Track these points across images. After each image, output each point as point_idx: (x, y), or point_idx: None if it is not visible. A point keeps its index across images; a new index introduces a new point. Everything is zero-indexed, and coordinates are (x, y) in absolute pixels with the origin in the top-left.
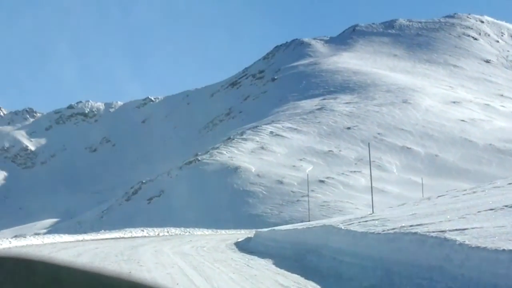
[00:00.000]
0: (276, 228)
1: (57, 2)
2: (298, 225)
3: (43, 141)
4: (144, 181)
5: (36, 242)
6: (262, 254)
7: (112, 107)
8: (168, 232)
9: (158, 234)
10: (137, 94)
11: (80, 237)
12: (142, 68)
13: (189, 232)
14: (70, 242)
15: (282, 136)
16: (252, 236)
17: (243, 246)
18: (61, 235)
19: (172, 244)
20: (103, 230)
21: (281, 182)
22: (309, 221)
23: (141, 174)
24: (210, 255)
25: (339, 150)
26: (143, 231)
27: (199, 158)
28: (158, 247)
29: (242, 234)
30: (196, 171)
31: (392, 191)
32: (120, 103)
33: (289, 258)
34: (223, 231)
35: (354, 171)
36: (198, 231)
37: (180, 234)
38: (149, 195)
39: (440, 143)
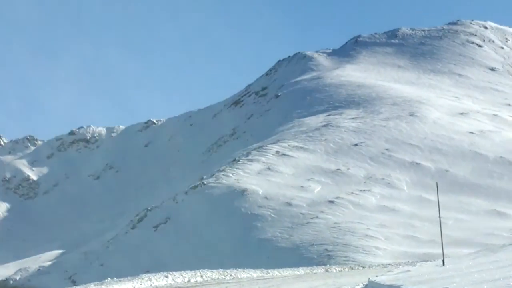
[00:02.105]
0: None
1: (51, 27)
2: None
3: (45, 170)
4: (149, 208)
5: None
6: None
7: (114, 132)
8: (202, 276)
9: (189, 281)
10: (139, 117)
11: None
12: (144, 90)
13: (231, 275)
14: None
15: (288, 155)
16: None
17: None
18: None
19: None
20: (109, 279)
21: (289, 204)
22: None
23: (146, 200)
24: None
25: (347, 168)
26: (167, 277)
27: (205, 182)
28: None
29: (306, 275)
30: (202, 195)
31: (404, 210)
32: (122, 127)
33: None
34: (275, 272)
35: (364, 190)
36: (243, 273)
37: (220, 278)
38: (155, 222)
39: (450, 157)
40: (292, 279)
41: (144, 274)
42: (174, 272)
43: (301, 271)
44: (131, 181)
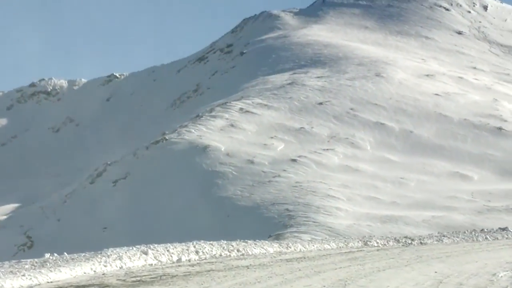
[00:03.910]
0: None
1: None
2: None
3: (3, 121)
4: (109, 163)
5: None
6: None
7: (75, 85)
8: (197, 252)
9: (180, 260)
10: (101, 71)
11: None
12: (106, 44)
13: (238, 250)
14: None
15: (252, 112)
16: None
17: None
18: None
19: None
20: (55, 255)
21: (251, 162)
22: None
23: (106, 155)
24: None
25: (311, 127)
26: (145, 254)
27: (167, 137)
28: None
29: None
30: (163, 151)
31: (367, 170)
32: (84, 80)
33: None
34: (291, 247)
35: (327, 149)
36: (254, 248)
37: (224, 256)
38: (115, 177)
39: (415, 118)
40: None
41: (110, 249)
42: (156, 246)
43: (332, 244)
44: (92, 135)
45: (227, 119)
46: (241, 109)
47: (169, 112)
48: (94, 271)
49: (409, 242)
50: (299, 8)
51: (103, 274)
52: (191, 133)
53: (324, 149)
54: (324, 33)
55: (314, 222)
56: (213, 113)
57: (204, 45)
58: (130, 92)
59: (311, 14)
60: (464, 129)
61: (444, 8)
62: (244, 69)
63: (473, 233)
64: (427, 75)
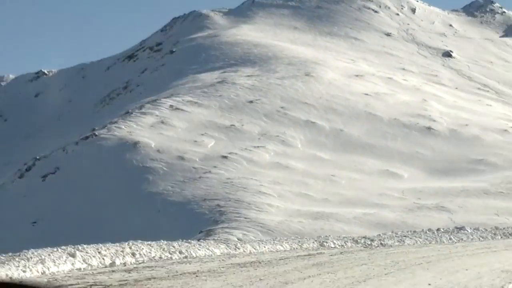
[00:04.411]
0: None
1: None
2: None
3: None
4: (38, 157)
5: None
6: None
7: (3, 81)
8: (134, 253)
9: (113, 264)
10: (29, 67)
11: None
12: (35, 39)
13: (181, 252)
14: None
15: (182, 110)
16: None
17: None
18: None
19: None
20: None
21: (182, 158)
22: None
23: (35, 150)
24: None
25: (242, 125)
26: (73, 256)
27: (96, 133)
28: None
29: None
30: (93, 146)
31: (297, 168)
32: (12, 76)
33: None
34: (240, 248)
35: (258, 146)
36: (198, 249)
37: (164, 258)
38: (44, 172)
39: (345, 117)
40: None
41: (31, 251)
42: (85, 247)
43: (285, 245)
44: (21, 130)
45: (157, 116)
46: (171, 106)
47: (99, 109)
48: (10, 278)
49: (369, 243)
50: (228, 8)
51: (20, 282)
52: (121, 129)
53: (254, 146)
54: (253, 33)
55: (245, 218)
56: (143, 110)
57: (133, 43)
58: (59, 88)
59: (240, 14)
60: (394, 128)
61: (373, 10)
62: (174, 67)
63: (435, 233)
64: (357, 75)
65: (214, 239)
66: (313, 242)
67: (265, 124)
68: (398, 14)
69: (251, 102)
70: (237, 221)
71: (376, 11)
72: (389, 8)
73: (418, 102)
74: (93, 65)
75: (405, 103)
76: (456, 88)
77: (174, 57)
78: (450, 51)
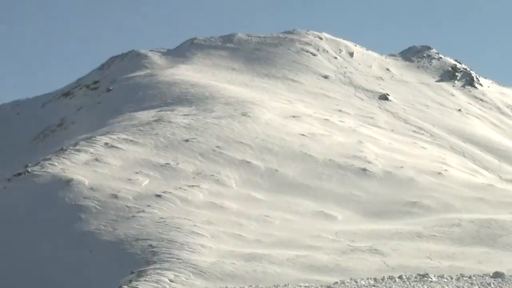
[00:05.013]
0: None
1: None
2: None
3: None
4: None
5: None
6: None
7: None
8: None
9: None
10: None
11: None
12: None
13: None
14: None
15: (117, 147)
16: None
17: None
18: None
19: None
20: None
21: (115, 196)
22: None
23: None
24: None
25: (177, 163)
26: None
27: (29, 170)
28: None
29: None
30: (26, 183)
31: (231, 207)
32: None
33: None
34: None
35: (192, 186)
36: None
37: None
38: None
39: (280, 157)
40: None
41: None
42: None
43: None
44: None
45: (91, 153)
46: (106, 143)
47: (33, 145)
48: None
49: None
50: (167, 48)
51: None
52: (54, 166)
53: (189, 186)
54: (191, 73)
55: (177, 259)
56: (77, 147)
57: (70, 80)
58: None
59: (179, 54)
60: (329, 169)
61: (311, 53)
62: (110, 105)
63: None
64: (294, 116)
65: (145, 280)
66: None
67: (200, 163)
68: (336, 58)
69: (187, 141)
70: (169, 261)
71: (314, 54)
72: (327, 51)
73: (353, 143)
74: (28, 102)
75: (341, 144)
76: (392, 131)
77: (110, 95)
78: (387, 94)
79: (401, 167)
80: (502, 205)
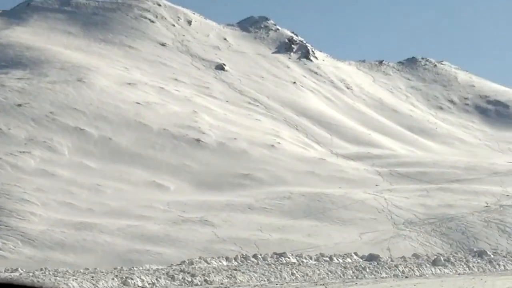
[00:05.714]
0: None
1: None
2: None
3: None
4: None
5: None
6: None
7: None
8: None
9: None
10: None
11: None
12: None
13: None
14: None
15: None
16: None
17: None
18: None
19: None
20: None
21: None
22: None
23: None
24: None
25: (8, 129)
26: None
27: None
28: None
29: None
30: None
31: (63, 175)
32: None
33: None
34: None
35: (24, 152)
36: None
37: None
38: None
39: (115, 125)
40: None
41: None
42: None
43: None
44: None
45: None
46: None
47: None
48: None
49: (189, 279)
50: (2, 10)
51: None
52: None
53: (20, 152)
54: (27, 36)
55: (6, 226)
56: None
57: None
58: None
59: (14, 16)
60: (163, 139)
61: (150, 20)
62: None
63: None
64: (129, 84)
65: None
66: (113, 279)
67: (33, 129)
68: (174, 25)
69: (19, 105)
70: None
71: (152, 21)
72: (165, 19)
73: (188, 113)
74: None
75: (176, 114)
76: (227, 101)
77: None
78: (223, 64)
79: (235, 138)
80: (332, 179)
